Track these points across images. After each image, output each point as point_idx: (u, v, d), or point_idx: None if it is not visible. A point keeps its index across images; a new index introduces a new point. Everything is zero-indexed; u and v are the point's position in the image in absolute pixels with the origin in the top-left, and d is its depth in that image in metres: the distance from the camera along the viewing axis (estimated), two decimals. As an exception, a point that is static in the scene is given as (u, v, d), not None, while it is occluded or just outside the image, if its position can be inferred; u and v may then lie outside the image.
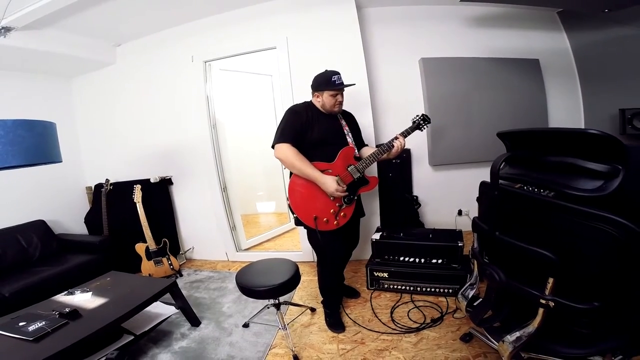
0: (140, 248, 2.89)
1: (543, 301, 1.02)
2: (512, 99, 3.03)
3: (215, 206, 3.25)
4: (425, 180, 3.21)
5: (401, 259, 2.27)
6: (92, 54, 3.14)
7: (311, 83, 1.95)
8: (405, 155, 3.12)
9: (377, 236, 2.34)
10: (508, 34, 3.07)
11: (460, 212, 3.26)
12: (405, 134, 2.00)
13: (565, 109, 3.15)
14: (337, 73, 1.89)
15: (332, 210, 1.83)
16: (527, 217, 1.15)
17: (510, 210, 1.20)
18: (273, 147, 1.82)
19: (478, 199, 1.47)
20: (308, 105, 1.94)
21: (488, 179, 3.24)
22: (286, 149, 1.76)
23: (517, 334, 1.09)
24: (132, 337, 1.96)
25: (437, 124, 2.87)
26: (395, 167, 3.09)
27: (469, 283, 1.50)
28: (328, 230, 1.84)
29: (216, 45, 2.99)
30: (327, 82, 1.86)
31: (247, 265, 2.00)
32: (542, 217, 1.07)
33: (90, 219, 3.33)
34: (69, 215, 3.41)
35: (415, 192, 3.19)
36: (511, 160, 1.33)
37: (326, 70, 1.91)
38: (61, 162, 1.79)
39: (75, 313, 1.69)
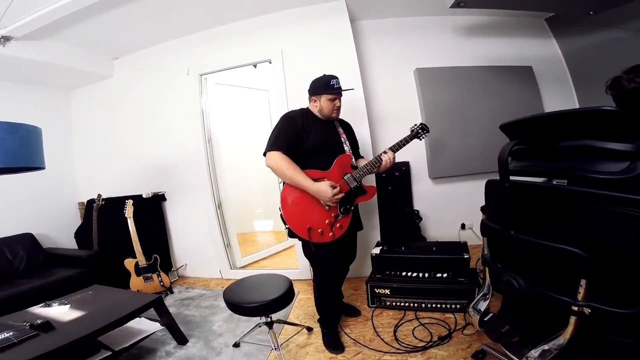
0: (129, 263, 2.79)
1: (576, 308, 0.89)
2: (508, 107, 2.99)
3: (210, 223, 3.14)
4: (426, 194, 3.13)
5: (403, 274, 2.13)
6: (91, 66, 3.15)
7: (308, 87, 1.90)
8: (404, 168, 3.04)
9: (377, 250, 2.21)
10: (499, 43, 3.11)
11: (463, 226, 3.17)
12: (397, 147, 1.90)
13: None
14: (336, 77, 1.84)
15: (327, 221, 1.72)
16: (547, 212, 1.02)
17: (525, 206, 1.08)
18: (265, 154, 1.73)
19: (484, 206, 1.36)
20: (304, 111, 1.88)
21: None
22: (277, 157, 1.67)
23: (545, 347, 0.94)
24: (110, 353, 1.82)
25: (434, 135, 2.78)
26: (395, 181, 3.00)
27: (481, 294, 1.35)
28: (323, 243, 1.71)
29: (211, 58, 3.00)
30: (326, 85, 1.81)
31: (237, 281, 1.86)
32: (565, 210, 0.95)
33: (81, 234, 3.26)
34: (60, 230, 3.32)
35: (416, 206, 3.09)
36: (517, 153, 1.22)
37: (324, 74, 1.87)
38: (44, 168, 1.72)
39: (47, 325, 1.59)
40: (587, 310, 0.87)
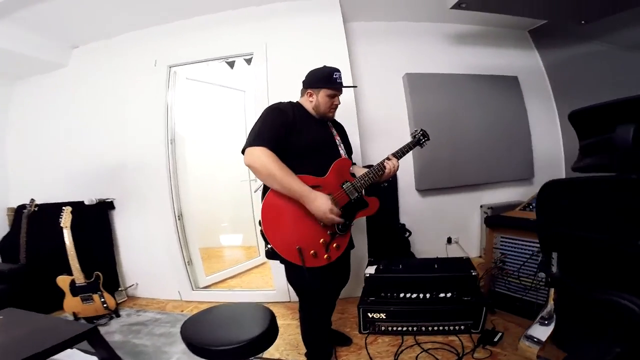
0: (62, 281, 2.34)
1: None
2: (496, 117, 3.01)
3: (167, 237, 2.70)
4: (412, 207, 2.97)
5: (401, 295, 1.87)
6: (44, 53, 2.73)
7: (304, 79, 1.60)
8: (391, 180, 2.83)
9: (371, 270, 1.94)
10: (487, 52, 3.12)
11: (449, 240, 3.06)
12: (400, 153, 1.66)
13: (545, 126, 3.17)
14: (338, 70, 1.56)
15: (322, 240, 1.40)
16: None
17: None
18: (243, 151, 1.38)
19: (545, 215, 1.09)
20: (294, 105, 1.56)
21: (478, 204, 2.94)
22: (262, 155, 1.32)
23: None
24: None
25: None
26: (381, 193, 2.78)
27: (538, 321, 1.09)
28: (315, 267, 1.39)
29: (184, 49, 2.66)
30: (328, 79, 1.52)
31: (201, 312, 1.42)
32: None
33: (6, 245, 2.75)
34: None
35: (401, 220, 2.90)
36: (588, 148, 0.99)
37: (324, 66, 1.58)
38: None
39: None
40: None
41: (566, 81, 3.05)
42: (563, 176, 3.13)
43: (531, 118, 3.09)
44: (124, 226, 2.85)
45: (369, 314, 1.87)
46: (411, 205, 2.96)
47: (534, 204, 2.17)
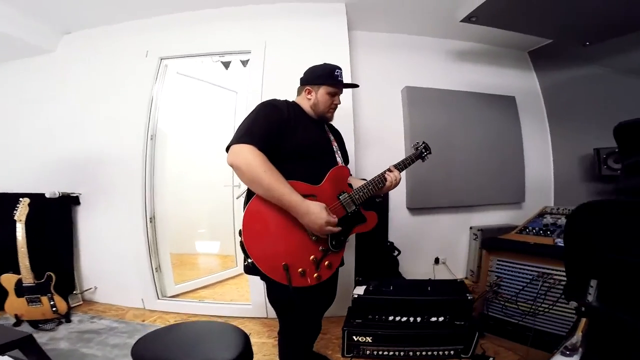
0: (7, 280, 2.11)
1: None
2: (491, 137, 2.98)
3: (136, 239, 2.47)
4: (402, 225, 2.86)
5: (390, 318, 1.72)
6: (31, 36, 2.55)
7: (302, 76, 1.47)
8: (382, 195, 2.72)
9: (360, 291, 1.78)
10: (487, 71, 3.12)
11: (437, 261, 2.96)
12: (402, 166, 1.54)
13: (538, 150, 3.17)
14: (340, 68, 1.44)
15: (312, 257, 1.22)
16: None
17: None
18: (228, 149, 1.21)
19: (574, 234, 0.96)
20: (290, 103, 1.42)
21: (467, 225, 2.79)
22: (249, 154, 1.14)
23: None
24: None
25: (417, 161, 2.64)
26: (373, 209, 2.67)
27: (561, 351, 0.94)
28: (303, 287, 1.20)
29: (178, 42, 2.54)
30: (329, 75, 1.40)
31: (162, 329, 1.21)
32: None
33: None
34: None
35: (390, 238, 2.77)
36: (634, 168, 0.89)
37: (326, 63, 1.46)
38: None
39: None
40: None
41: (561, 104, 3.07)
42: (552, 203, 3.12)
43: (525, 141, 3.08)
44: (88, 224, 2.60)
45: (354, 337, 1.71)
46: (401, 223, 2.85)
47: (531, 227, 2.12)
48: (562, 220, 2.07)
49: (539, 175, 3.13)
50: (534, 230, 2.07)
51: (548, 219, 2.13)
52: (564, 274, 1.66)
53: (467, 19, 2.11)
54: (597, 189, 2.76)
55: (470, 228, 2.95)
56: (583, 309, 0.93)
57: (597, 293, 0.90)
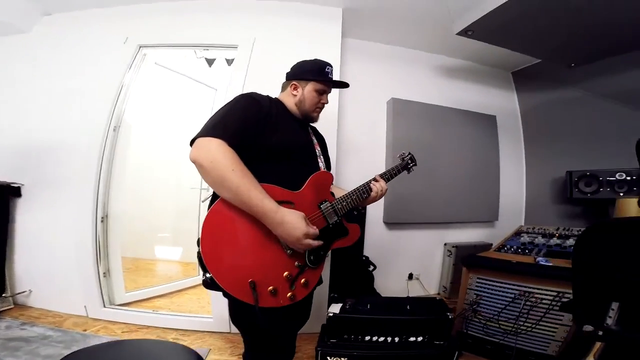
0: None
1: None
2: (471, 155, 3.03)
3: (82, 239, 2.20)
4: (377, 240, 2.79)
5: (367, 338, 1.59)
6: (9, 15, 2.39)
7: (289, 70, 1.33)
8: (361, 209, 2.63)
9: (335, 309, 1.64)
10: (472, 88, 3.19)
11: (410, 276, 2.91)
12: (388, 176, 1.43)
13: (513, 169, 3.25)
14: (331, 65, 1.32)
15: (286, 274, 1.03)
16: None
17: None
18: (192, 142, 0.99)
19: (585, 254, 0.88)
20: (272, 99, 1.26)
21: (442, 242, 2.81)
22: (216, 149, 0.95)
23: None
24: None
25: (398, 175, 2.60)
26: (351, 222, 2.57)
27: None
28: (273, 308, 1.01)
29: (161, 31, 2.39)
30: (319, 71, 1.27)
31: (103, 344, 0.98)
32: None
33: None
34: None
35: (365, 252, 2.67)
36: None
37: (316, 58, 1.34)
38: None
39: None
40: None
41: (538, 126, 3.17)
42: (522, 222, 3.19)
43: (502, 160, 3.14)
44: (28, 219, 2.29)
45: (327, 358, 1.55)
46: (376, 237, 2.78)
47: (509, 245, 2.11)
48: (540, 239, 2.08)
49: (512, 194, 3.19)
50: (512, 249, 2.07)
51: (525, 238, 2.14)
52: (546, 293, 1.67)
53: (464, 32, 2.11)
54: (567, 211, 2.83)
55: (445, 244, 2.95)
56: (600, 332, 0.85)
57: (618, 316, 0.82)
